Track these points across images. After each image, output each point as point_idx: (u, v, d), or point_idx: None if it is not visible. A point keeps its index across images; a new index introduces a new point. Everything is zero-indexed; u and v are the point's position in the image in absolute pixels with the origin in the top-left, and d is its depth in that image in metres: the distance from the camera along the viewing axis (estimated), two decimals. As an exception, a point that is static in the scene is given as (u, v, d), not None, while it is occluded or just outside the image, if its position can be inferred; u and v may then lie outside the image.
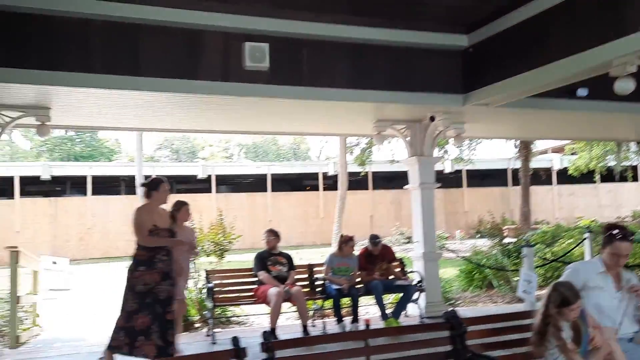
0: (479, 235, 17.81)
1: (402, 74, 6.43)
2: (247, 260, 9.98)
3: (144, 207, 5.24)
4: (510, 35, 5.89)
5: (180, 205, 5.91)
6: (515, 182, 23.78)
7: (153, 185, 5.27)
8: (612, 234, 3.75)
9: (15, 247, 7.43)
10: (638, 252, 9.57)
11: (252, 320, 8.12)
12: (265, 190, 23.88)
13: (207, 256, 9.90)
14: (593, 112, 7.24)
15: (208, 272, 7.15)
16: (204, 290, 7.21)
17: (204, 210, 17.87)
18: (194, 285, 7.54)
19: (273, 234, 6.95)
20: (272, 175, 24.24)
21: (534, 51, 5.58)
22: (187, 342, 6.34)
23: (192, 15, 5.54)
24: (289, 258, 6.97)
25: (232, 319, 8.03)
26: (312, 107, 6.83)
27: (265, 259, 6.80)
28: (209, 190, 23.39)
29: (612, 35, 4.67)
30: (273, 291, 6.39)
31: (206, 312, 7.00)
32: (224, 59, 5.77)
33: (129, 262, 5.22)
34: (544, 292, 3.61)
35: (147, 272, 5.00)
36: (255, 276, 6.79)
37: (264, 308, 6.93)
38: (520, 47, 5.76)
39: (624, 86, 4.74)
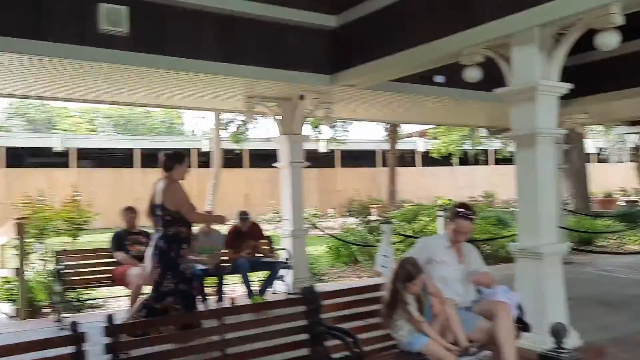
0: (349, 213, 18.50)
1: (271, 50, 6.35)
2: (109, 239, 9.39)
3: (177, 181, 4.93)
4: (374, 19, 6.05)
5: None
6: (385, 163, 24.99)
7: (179, 157, 5.03)
8: (456, 212, 4.07)
9: None
10: (485, 229, 10.59)
11: (110, 304, 7.68)
12: (133, 166, 22.62)
13: (59, 236, 9.11)
14: (448, 98, 7.77)
15: (58, 253, 6.60)
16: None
17: (60, 186, 16.51)
18: (43, 268, 6.92)
19: (131, 211, 6.57)
20: (142, 150, 23.00)
21: (393, 37, 5.79)
22: (32, 329, 5.84)
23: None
24: (149, 237, 6.65)
25: (89, 302, 7.53)
26: (178, 79, 6.52)
27: (122, 239, 6.44)
28: (67, 165, 21.65)
29: (461, 26, 4.99)
30: (133, 271, 6.07)
31: (54, 296, 6.46)
32: (78, 21, 5.29)
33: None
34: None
35: (188, 250, 4.84)
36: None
37: (125, 290, 6.57)
38: (381, 32, 5.95)
39: (472, 75, 5.08)
